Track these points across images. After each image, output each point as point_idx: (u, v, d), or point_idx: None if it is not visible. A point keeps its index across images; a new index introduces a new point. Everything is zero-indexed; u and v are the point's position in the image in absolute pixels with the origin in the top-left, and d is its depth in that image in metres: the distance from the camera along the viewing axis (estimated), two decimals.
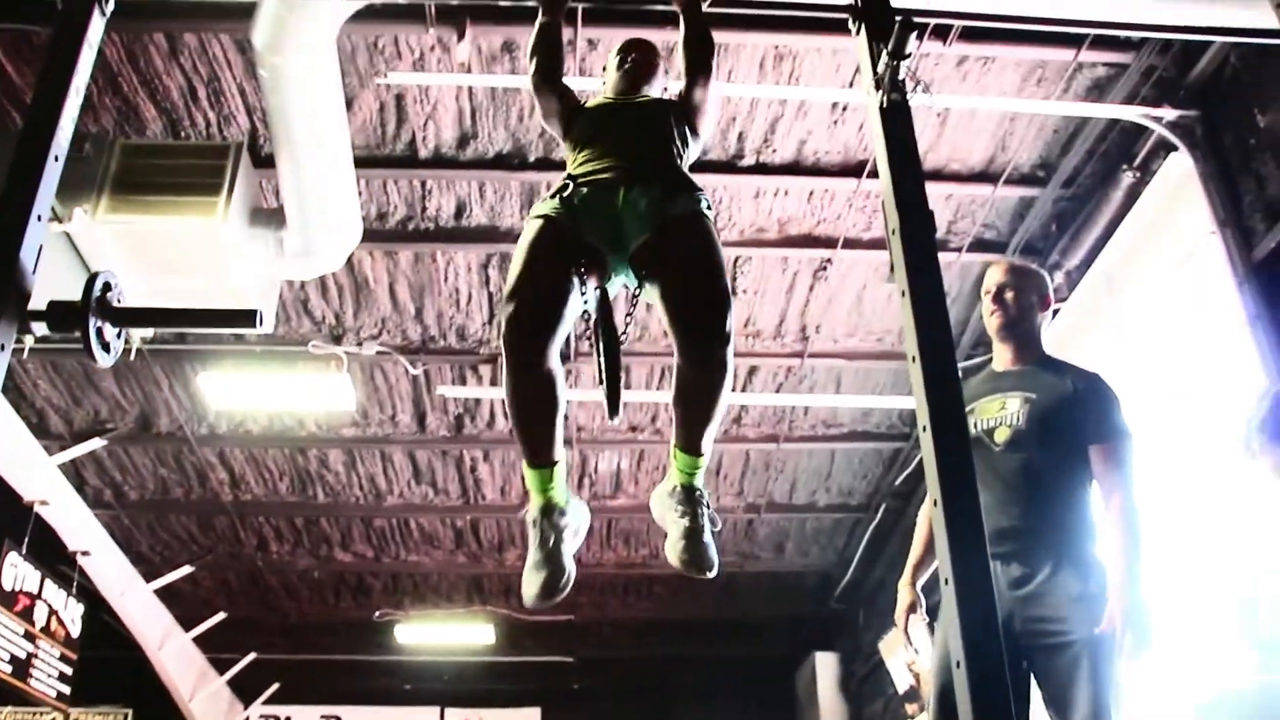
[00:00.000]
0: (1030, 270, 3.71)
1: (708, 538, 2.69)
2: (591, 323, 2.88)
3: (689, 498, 2.74)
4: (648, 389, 8.50)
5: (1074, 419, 3.36)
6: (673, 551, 2.69)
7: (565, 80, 3.37)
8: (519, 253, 2.84)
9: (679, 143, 3.13)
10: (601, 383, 2.83)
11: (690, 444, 2.76)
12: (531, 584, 2.73)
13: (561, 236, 2.84)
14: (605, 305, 2.89)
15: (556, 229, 2.86)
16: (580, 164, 3.04)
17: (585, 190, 2.92)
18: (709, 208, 2.94)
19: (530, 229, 2.89)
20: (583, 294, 2.81)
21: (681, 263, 2.77)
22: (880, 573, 10.76)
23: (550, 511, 2.79)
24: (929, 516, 3.64)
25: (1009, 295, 3.59)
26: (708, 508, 2.75)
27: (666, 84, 3.52)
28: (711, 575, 2.64)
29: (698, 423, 2.74)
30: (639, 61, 3.39)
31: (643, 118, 3.19)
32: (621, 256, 2.88)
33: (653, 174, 2.95)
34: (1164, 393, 6.05)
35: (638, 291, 2.94)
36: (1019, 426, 3.37)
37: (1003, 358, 3.60)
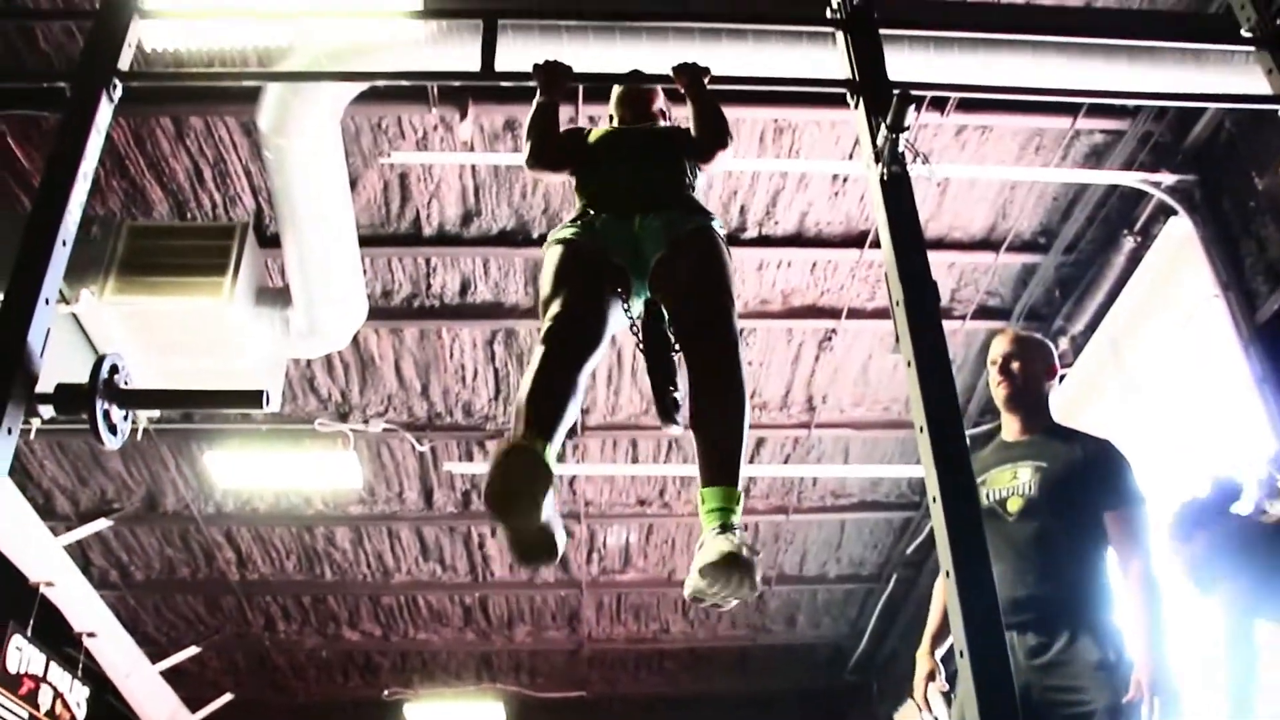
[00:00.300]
0: (1035, 340, 3.71)
1: (748, 554, 2.38)
2: (639, 332, 2.88)
3: (726, 530, 2.46)
4: (655, 462, 8.47)
5: (1086, 486, 3.33)
6: (703, 556, 2.39)
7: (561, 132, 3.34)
8: (548, 273, 2.86)
9: (688, 170, 3.16)
10: (656, 395, 2.81)
11: (719, 472, 2.59)
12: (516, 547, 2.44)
13: (588, 255, 2.88)
14: (651, 320, 2.89)
15: (580, 249, 2.89)
16: (589, 192, 3.10)
17: (601, 219, 2.96)
18: (720, 226, 2.98)
19: (554, 254, 2.91)
20: (625, 308, 2.87)
21: (688, 269, 2.80)
22: (894, 643, 10.63)
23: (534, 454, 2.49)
24: (944, 590, 3.61)
25: (1015, 365, 3.58)
26: (750, 541, 2.48)
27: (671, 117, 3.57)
28: (753, 595, 2.42)
29: (724, 439, 2.65)
30: (639, 93, 3.47)
31: (650, 143, 3.25)
32: (643, 278, 2.91)
33: (663, 198, 3.00)
34: (1172, 456, 6.02)
35: (653, 311, 2.93)
36: (1031, 496, 3.35)
37: (1011, 427, 3.59)
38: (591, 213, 3.00)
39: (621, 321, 2.90)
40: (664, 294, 2.85)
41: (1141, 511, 3.32)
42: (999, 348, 3.63)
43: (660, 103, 3.51)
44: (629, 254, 2.90)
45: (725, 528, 2.48)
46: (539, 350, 2.65)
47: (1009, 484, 3.41)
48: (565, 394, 2.59)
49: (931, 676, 3.53)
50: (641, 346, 2.87)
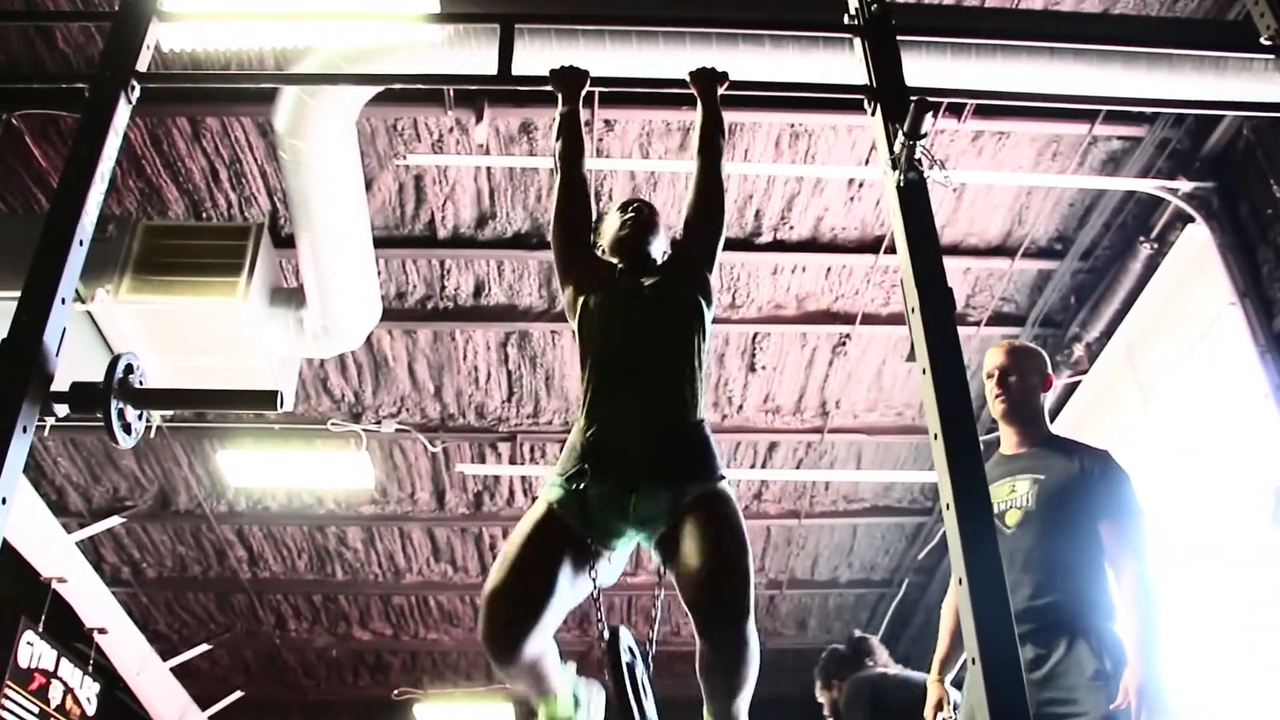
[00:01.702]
0: (1030, 350, 3.69)
1: None
2: (611, 675, 2.79)
3: None
4: None
5: (1084, 497, 3.33)
6: None
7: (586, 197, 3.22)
8: (514, 537, 2.73)
9: (700, 344, 2.95)
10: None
11: (723, 715, 2.74)
12: None
13: (565, 533, 2.72)
14: (615, 650, 2.81)
15: (560, 526, 2.73)
16: (593, 416, 2.85)
17: (594, 491, 2.73)
18: (723, 479, 2.79)
19: (534, 514, 2.76)
20: (577, 576, 2.75)
21: (694, 552, 2.63)
22: (905, 649, 10.58)
23: None
24: (952, 609, 3.62)
25: (1012, 379, 3.56)
26: None
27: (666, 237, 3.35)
28: None
29: (727, 695, 2.72)
30: (640, 216, 3.22)
31: (659, 319, 2.96)
32: (643, 538, 2.82)
33: (665, 463, 2.76)
34: (1187, 463, 6.01)
35: (663, 571, 2.84)
36: (1029, 508, 3.35)
37: (1009, 441, 3.58)
38: (586, 472, 2.74)
39: (584, 590, 2.82)
40: (672, 565, 2.72)
41: (1137, 521, 3.31)
42: (994, 360, 3.61)
43: (660, 239, 3.25)
44: (617, 527, 2.77)
45: None
46: (483, 643, 2.65)
47: (1007, 497, 3.41)
48: (535, 675, 2.71)
49: (940, 706, 3.53)
50: (611, 686, 2.79)
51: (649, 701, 2.83)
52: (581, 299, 3.02)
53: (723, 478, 2.80)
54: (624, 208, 3.27)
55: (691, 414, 2.86)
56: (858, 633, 5.31)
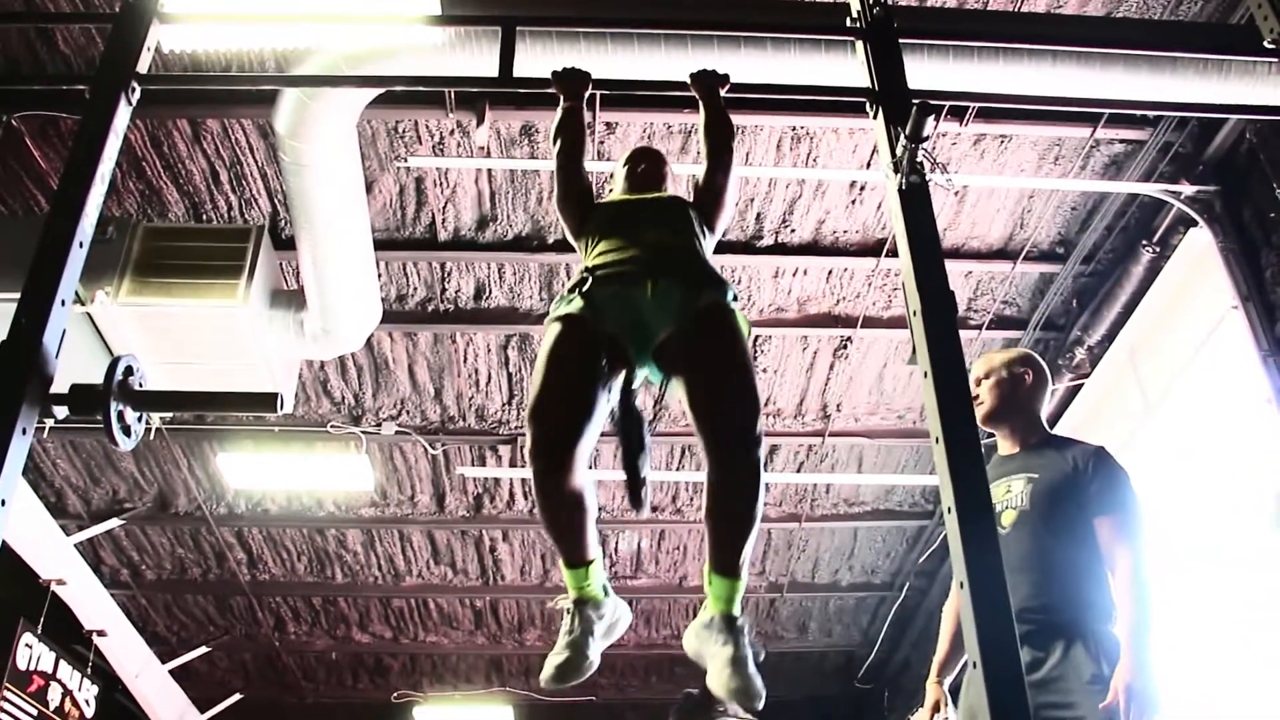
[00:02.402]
0: (1001, 355, 3.71)
1: (753, 667, 2.55)
2: (614, 416, 2.81)
3: (729, 626, 2.59)
4: (668, 469, 8.46)
5: (1078, 494, 3.32)
6: (717, 681, 2.53)
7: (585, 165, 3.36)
8: (541, 362, 2.78)
9: (699, 234, 3.08)
10: (627, 477, 2.75)
11: (726, 564, 2.63)
12: (550, 665, 2.67)
13: (583, 336, 2.78)
14: (628, 398, 2.81)
15: (578, 329, 2.79)
16: (599, 255, 2.98)
17: (607, 284, 2.86)
18: (735, 299, 2.88)
19: (550, 334, 2.82)
20: (608, 390, 2.77)
21: (709, 360, 2.70)
22: (905, 652, 10.60)
23: (584, 604, 2.76)
24: (953, 613, 3.61)
25: (983, 386, 3.61)
26: (749, 636, 2.62)
27: (680, 184, 3.50)
28: (759, 706, 2.54)
29: (732, 538, 2.63)
30: (649, 168, 3.39)
31: (661, 209, 3.16)
32: (645, 350, 2.82)
33: (678, 266, 2.90)
34: (1189, 467, 6.00)
35: (664, 386, 2.86)
36: (1023, 508, 3.35)
37: (1004, 444, 3.60)
38: (596, 278, 2.89)
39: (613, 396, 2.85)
40: (679, 375, 2.77)
41: (1133, 516, 3.29)
42: (972, 373, 3.63)
43: (668, 180, 3.44)
44: (633, 328, 2.81)
45: (729, 625, 2.60)
46: (530, 466, 2.67)
47: (1003, 498, 3.41)
48: (578, 506, 2.70)
49: (938, 707, 3.52)
50: (617, 429, 2.81)
51: (646, 459, 2.81)
52: (590, 216, 3.20)
53: (736, 297, 2.91)
54: (630, 161, 3.43)
55: (698, 247, 3.03)
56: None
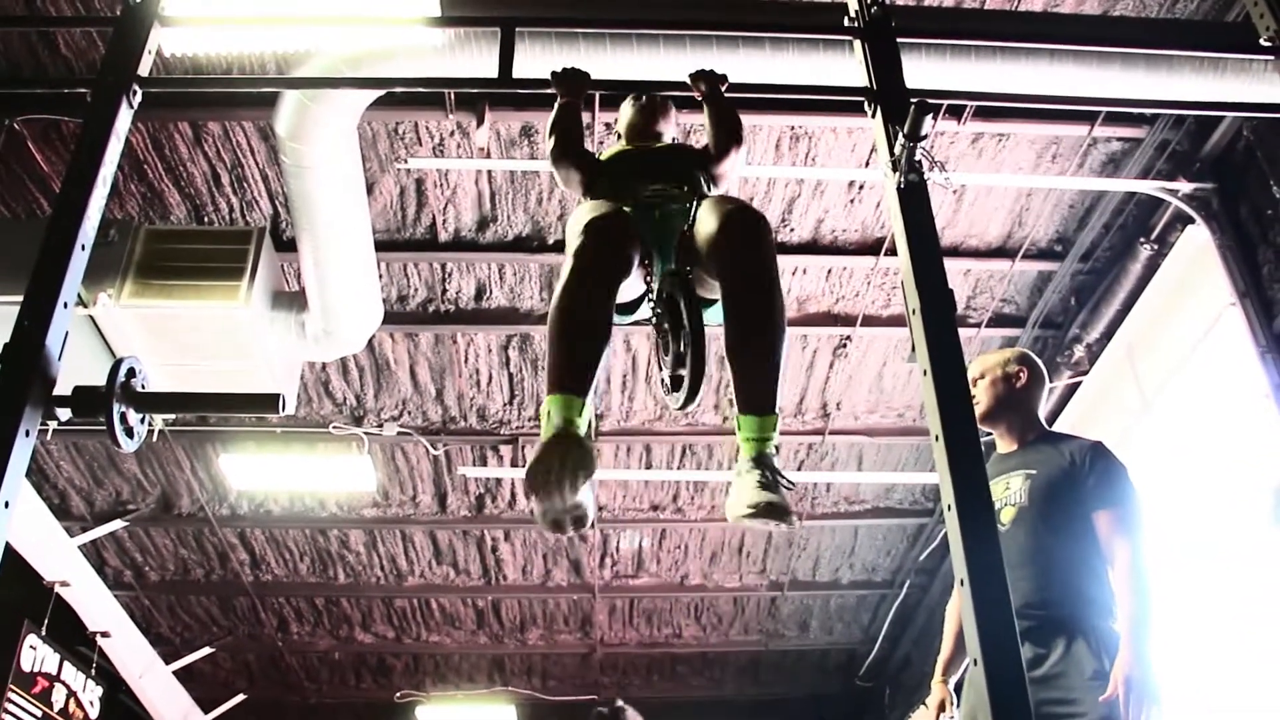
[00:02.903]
0: (996, 355, 3.73)
1: (783, 493, 2.43)
2: (656, 303, 2.82)
3: (759, 461, 2.48)
4: (669, 467, 8.47)
5: (1076, 489, 3.33)
6: (740, 501, 2.41)
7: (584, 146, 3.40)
8: (583, 210, 2.80)
9: (703, 180, 3.16)
10: (682, 365, 2.66)
11: (755, 398, 2.55)
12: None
13: (618, 212, 2.75)
14: (684, 282, 2.74)
15: (612, 207, 2.77)
16: (608, 194, 3.04)
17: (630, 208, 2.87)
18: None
19: (585, 206, 2.89)
20: (645, 279, 2.83)
21: (713, 207, 2.73)
22: (906, 649, 10.61)
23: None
24: (956, 612, 3.63)
25: (979, 387, 3.63)
26: (780, 467, 2.51)
27: (679, 131, 3.59)
28: (792, 522, 2.40)
29: (759, 366, 2.57)
30: (651, 100, 3.51)
31: (665, 156, 3.28)
32: (666, 258, 2.86)
33: (686, 188, 3.02)
34: (1188, 464, 6.01)
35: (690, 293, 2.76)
36: (1022, 504, 3.36)
37: (1002, 442, 3.62)
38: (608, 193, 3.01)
39: (634, 289, 2.86)
40: (693, 242, 2.76)
41: (1131, 509, 3.30)
42: (969, 374, 3.65)
43: (670, 125, 3.52)
44: (653, 238, 2.86)
45: (760, 460, 2.49)
46: (569, 269, 2.58)
47: (1002, 495, 3.43)
48: (600, 327, 2.56)
49: (943, 707, 3.53)
50: (655, 318, 2.82)
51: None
52: (597, 176, 3.26)
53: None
54: (635, 97, 3.55)
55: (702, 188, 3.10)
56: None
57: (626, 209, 2.80)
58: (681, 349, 2.67)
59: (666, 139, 3.52)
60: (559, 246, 6.72)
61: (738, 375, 2.59)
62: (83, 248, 2.48)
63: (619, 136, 3.58)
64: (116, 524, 8.75)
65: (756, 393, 2.56)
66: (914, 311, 2.38)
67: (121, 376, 2.47)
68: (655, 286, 2.83)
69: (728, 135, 3.25)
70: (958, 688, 3.51)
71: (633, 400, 7.92)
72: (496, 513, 9.11)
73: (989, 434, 3.62)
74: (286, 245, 6.22)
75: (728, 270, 2.63)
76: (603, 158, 3.37)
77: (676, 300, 2.72)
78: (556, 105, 3.30)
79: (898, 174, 2.54)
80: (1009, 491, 3.42)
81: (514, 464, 8.35)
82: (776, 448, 2.55)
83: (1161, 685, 2.99)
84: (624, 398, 7.89)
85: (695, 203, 2.83)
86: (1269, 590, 5.18)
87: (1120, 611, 3.15)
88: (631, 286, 2.81)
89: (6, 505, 2.13)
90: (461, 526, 9.29)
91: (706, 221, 2.70)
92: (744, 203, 2.77)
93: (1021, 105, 5.73)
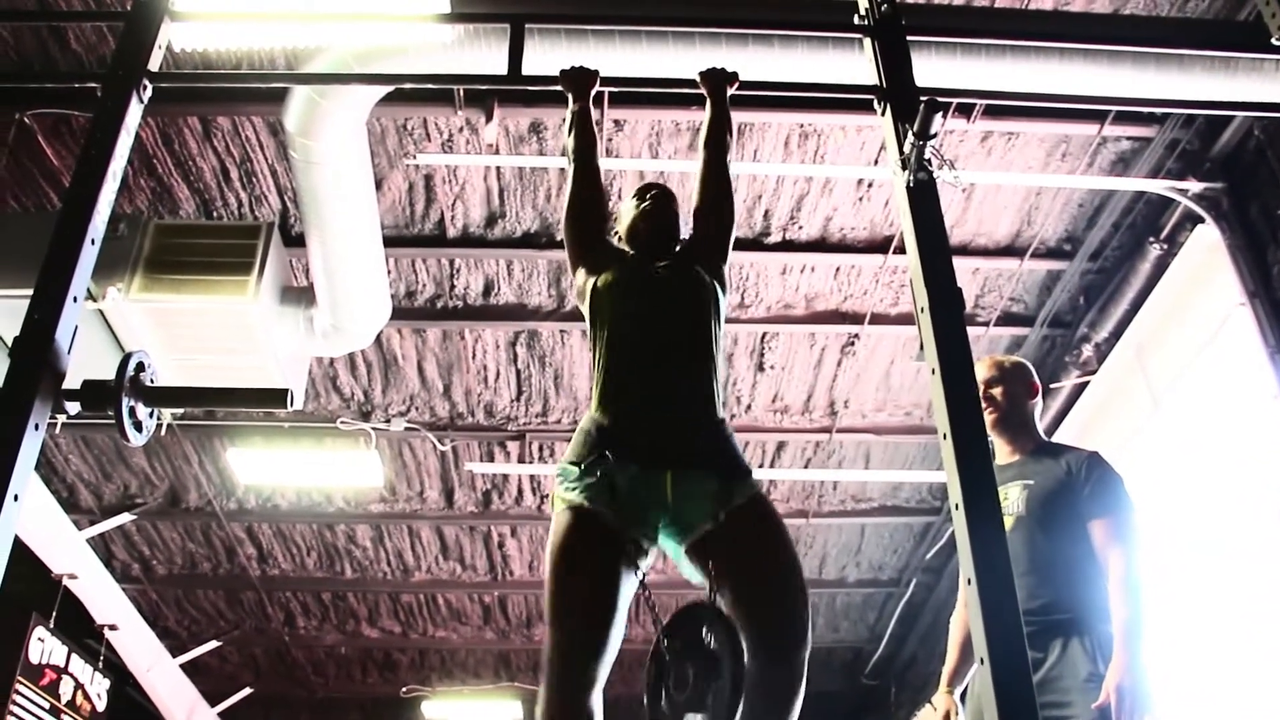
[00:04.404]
0: (1013, 362, 3.73)
1: None
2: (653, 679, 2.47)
3: None
4: None
5: (1072, 498, 3.34)
6: None
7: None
8: (555, 557, 2.49)
9: (717, 330, 2.84)
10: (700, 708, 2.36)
11: None
12: None
13: (600, 531, 2.48)
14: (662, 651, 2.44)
15: (596, 525, 2.48)
16: (610, 403, 2.67)
17: (623, 475, 2.51)
18: (761, 487, 2.64)
19: (563, 525, 2.50)
20: (639, 575, 2.50)
21: (753, 569, 2.48)
22: (912, 648, 10.60)
23: None
24: (961, 623, 3.63)
25: (997, 390, 3.61)
26: None
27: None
28: None
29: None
30: (659, 201, 3.11)
31: (676, 302, 2.83)
32: (678, 539, 2.57)
33: (703, 451, 2.60)
34: (1196, 463, 6.00)
35: (710, 586, 2.50)
36: (1019, 514, 3.37)
37: (1002, 450, 3.61)
38: (610, 457, 2.53)
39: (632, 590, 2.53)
40: (724, 580, 2.48)
41: (1126, 518, 3.31)
42: (979, 374, 3.64)
43: (679, 222, 3.14)
44: (656, 517, 2.53)
45: None
46: (548, 686, 2.44)
47: (1000, 505, 3.42)
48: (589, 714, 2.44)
49: (948, 717, 3.54)
50: (649, 689, 2.49)
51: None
52: (594, 280, 2.90)
53: (758, 482, 2.64)
54: (641, 194, 3.17)
55: (718, 407, 2.71)
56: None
57: (615, 489, 2.48)
58: (706, 694, 2.35)
59: (672, 241, 3.11)
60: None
61: (750, 714, 2.37)
62: (92, 242, 2.49)
63: (618, 236, 3.24)
64: (124, 517, 8.77)
65: None
66: (922, 310, 2.38)
67: (130, 371, 2.48)
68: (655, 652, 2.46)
69: (715, 145, 3.16)
70: (963, 698, 3.52)
71: None
72: (503, 508, 9.12)
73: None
74: (295, 240, 6.22)
75: (755, 647, 2.39)
76: (612, 259, 3.01)
77: (703, 644, 2.39)
78: (568, 113, 3.22)
79: (907, 172, 2.54)
80: (1007, 502, 3.42)
81: (521, 460, 8.36)
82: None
83: (1154, 693, 3.00)
84: None
85: (722, 501, 2.51)
86: (1277, 588, 5.17)
87: (1114, 619, 3.15)
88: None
89: (16, 498, 2.14)
90: (468, 522, 9.30)
91: (745, 593, 2.44)
92: (795, 598, 2.46)
93: (1031, 104, 5.71)
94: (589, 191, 3.14)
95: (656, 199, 3.12)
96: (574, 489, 2.53)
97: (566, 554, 2.48)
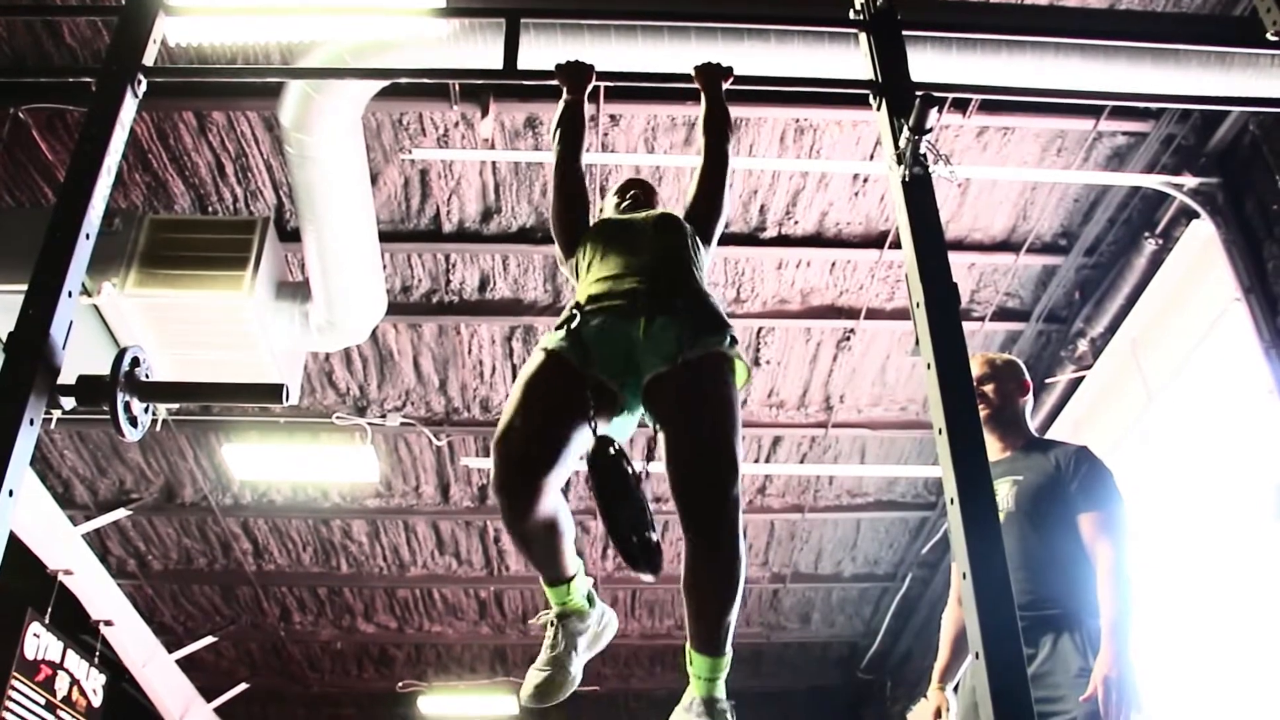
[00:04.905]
0: (1005, 360, 3.75)
1: None
2: (593, 469, 2.55)
3: (711, 712, 2.49)
4: None
5: (1061, 493, 3.36)
6: None
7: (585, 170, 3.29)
8: (516, 387, 2.65)
9: (696, 256, 2.96)
10: (619, 539, 2.53)
11: (707, 640, 2.53)
12: (529, 684, 2.67)
13: (565, 374, 2.63)
14: (605, 453, 2.55)
15: (559, 367, 2.64)
16: (593, 284, 2.83)
17: (598, 321, 2.71)
18: (734, 342, 2.74)
19: (532, 362, 2.69)
20: (589, 428, 2.59)
21: (691, 421, 2.58)
22: (907, 642, 10.62)
23: (566, 618, 2.74)
24: (952, 620, 3.65)
25: (988, 387, 3.63)
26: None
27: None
28: None
29: (713, 612, 2.51)
30: (640, 195, 3.33)
31: (656, 227, 3.00)
32: (635, 389, 2.70)
33: (677, 302, 2.74)
34: (1191, 459, 6.01)
35: (655, 430, 2.69)
36: (1009, 509, 3.39)
37: (993, 447, 3.62)
38: (590, 309, 2.73)
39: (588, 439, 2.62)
40: (664, 422, 2.64)
41: (1114, 511, 3.32)
42: (972, 371, 3.65)
43: (659, 202, 3.37)
44: (623, 368, 2.68)
45: (711, 706, 2.52)
46: (496, 493, 2.53)
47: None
48: (549, 533, 2.59)
49: (939, 714, 3.55)
50: (593, 488, 2.55)
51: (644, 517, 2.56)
52: (583, 242, 3.05)
53: (735, 340, 2.76)
54: (622, 191, 3.36)
55: (700, 281, 2.88)
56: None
57: (587, 336, 2.68)
58: (624, 523, 2.54)
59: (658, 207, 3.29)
60: None
61: (691, 614, 2.54)
62: (87, 237, 2.49)
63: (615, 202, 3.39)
64: (120, 513, 8.77)
65: (707, 635, 2.54)
66: (918, 305, 2.38)
67: (125, 366, 2.47)
68: (592, 453, 2.57)
69: (716, 135, 3.19)
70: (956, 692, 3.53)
71: None
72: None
73: None
74: (290, 235, 6.21)
75: (688, 515, 2.52)
76: (597, 218, 3.25)
77: (624, 469, 2.55)
78: (560, 105, 3.25)
79: (902, 167, 2.54)
80: (997, 498, 3.42)
81: None
82: (726, 705, 2.55)
83: (1141, 686, 3.00)
84: None
85: (683, 347, 2.63)
86: (1271, 585, 5.18)
87: (1102, 612, 3.16)
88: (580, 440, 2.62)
89: (11, 494, 2.14)
90: (464, 517, 9.30)
91: (679, 433, 2.58)
92: (721, 439, 2.55)
93: (1027, 99, 5.72)
94: (571, 188, 3.19)
95: (636, 197, 3.30)
96: (549, 339, 2.73)
97: (525, 374, 2.68)
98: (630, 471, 2.54)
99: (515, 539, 2.62)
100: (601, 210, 3.43)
